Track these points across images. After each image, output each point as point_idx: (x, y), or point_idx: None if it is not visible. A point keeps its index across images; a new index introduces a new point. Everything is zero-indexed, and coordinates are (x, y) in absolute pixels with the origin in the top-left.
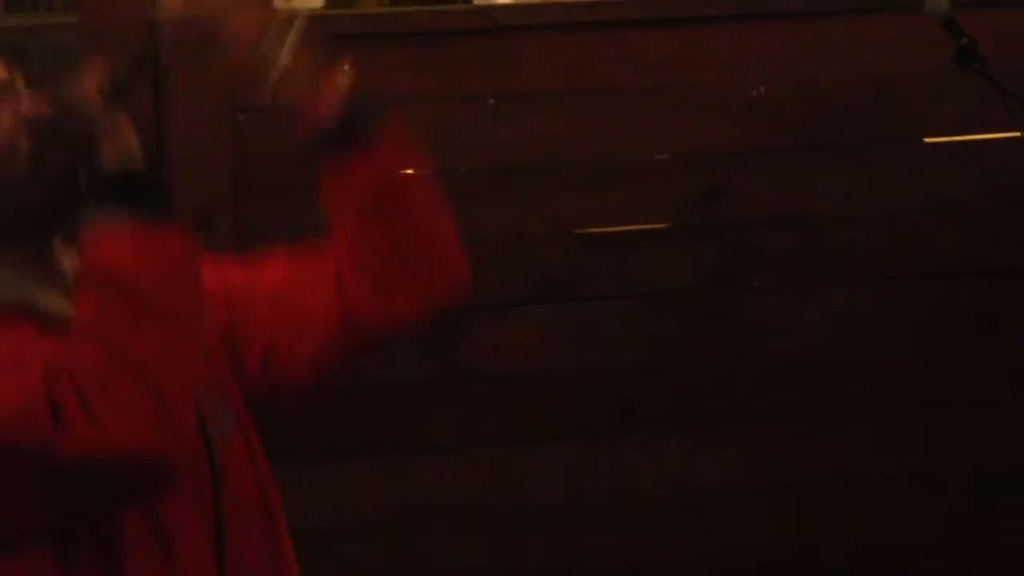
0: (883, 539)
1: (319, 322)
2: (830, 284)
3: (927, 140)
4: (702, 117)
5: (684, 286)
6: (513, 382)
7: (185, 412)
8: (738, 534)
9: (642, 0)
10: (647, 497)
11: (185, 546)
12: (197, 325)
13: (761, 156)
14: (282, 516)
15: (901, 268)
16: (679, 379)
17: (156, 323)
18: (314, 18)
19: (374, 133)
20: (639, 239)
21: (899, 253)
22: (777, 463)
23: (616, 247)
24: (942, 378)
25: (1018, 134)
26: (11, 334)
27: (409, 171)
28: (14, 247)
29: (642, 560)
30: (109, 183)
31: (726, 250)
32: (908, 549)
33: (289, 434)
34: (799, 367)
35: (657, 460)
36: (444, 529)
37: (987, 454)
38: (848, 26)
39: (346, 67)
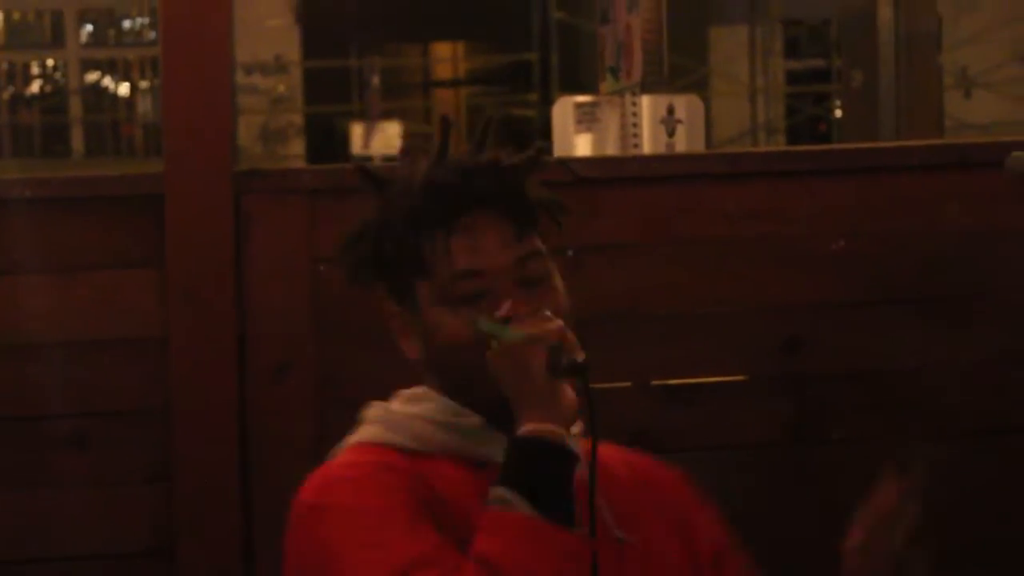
0: None
1: None
2: (911, 439)
3: (1009, 295)
4: (780, 270)
5: (762, 439)
6: None
7: None
8: None
9: (721, 155)
10: None
11: None
12: None
13: (840, 309)
14: None
15: (982, 423)
16: (758, 532)
17: None
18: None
19: None
20: (717, 391)
21: (980, 408)
22: None
23: (694, 399)
24: None
25: None
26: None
27: None
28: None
29: None
30: (532, 450)
31: (805, 403)
32: None
33: None
34: None
35: None
36: None
37: None
38: (928, 181)
39: None
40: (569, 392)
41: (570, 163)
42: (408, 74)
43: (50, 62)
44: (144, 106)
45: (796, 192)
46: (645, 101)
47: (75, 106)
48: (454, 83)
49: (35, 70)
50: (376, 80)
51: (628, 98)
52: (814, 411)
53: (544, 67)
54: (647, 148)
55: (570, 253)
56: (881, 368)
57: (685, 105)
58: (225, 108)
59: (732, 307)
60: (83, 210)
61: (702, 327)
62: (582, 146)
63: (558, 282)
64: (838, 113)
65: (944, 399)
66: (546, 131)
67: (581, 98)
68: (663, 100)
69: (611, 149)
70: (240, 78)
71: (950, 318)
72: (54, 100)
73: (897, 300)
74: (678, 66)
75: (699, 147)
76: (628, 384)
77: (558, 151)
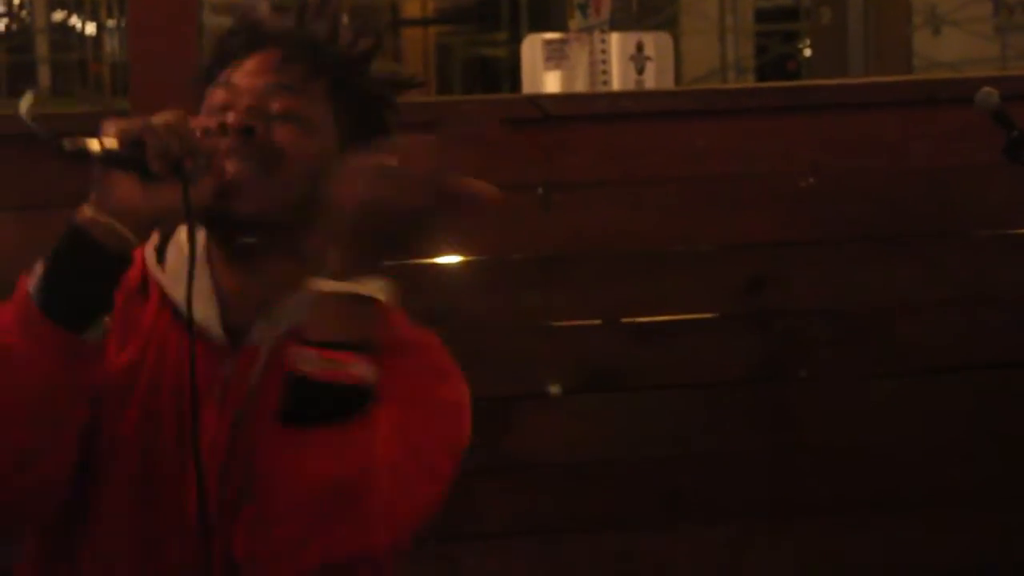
0: None
1: None
2: (878, 376)
3: (976, 232)
4: (750, 207)
5: (730, 376)
6: (559, 471)
7: None
8: None
9: (690, 92)
10: None
11: None
12: None
13: (809, 247)
14: None
15: (950, 360)
16: (724, 470)
17: None
18: None
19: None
20: (686, 329)
21: (948, 345)
22: (823, 556)
23: (663, 337)
24: (991, 471)
25: None
26: None
27: None
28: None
29: None
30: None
31: (772, 341)
32: None
33: None
34: (845, 459)
35: (702, 552)
36: None
37: None
38: (898, 118)
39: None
40: (123, 183)
41: (539, 101)
42: (376, 12)
43: (16, 0)
44: (111, 45)
45: (765, 129)
46: (614, 38)
47: (42, 45)
48: (423, 22)
49: (0, 8)
50: (344, 19)
51: (597, 35)
52: (781, 349)
53: (513, 5)
54: (616, 85)
55: (539, 191)
56: (848, 306)
57: (654, 42)
58: (192, 47)
59: (701, 245)
60: (51, 147)
61: (671, 265)
62: (551, 83)
63: (309, 137)
64: (807, 52)
65: (910, 336)
66: (515, 69)
67: (550, 35)
68: (632, 37)
69: (580, 86)
70: (206, 17)
71: (917, 255)
72: (20, 39)
73: (865, 237)
74: (647, 3)
75: (668, 84)
76: (598, 322)
77: (527, 88)
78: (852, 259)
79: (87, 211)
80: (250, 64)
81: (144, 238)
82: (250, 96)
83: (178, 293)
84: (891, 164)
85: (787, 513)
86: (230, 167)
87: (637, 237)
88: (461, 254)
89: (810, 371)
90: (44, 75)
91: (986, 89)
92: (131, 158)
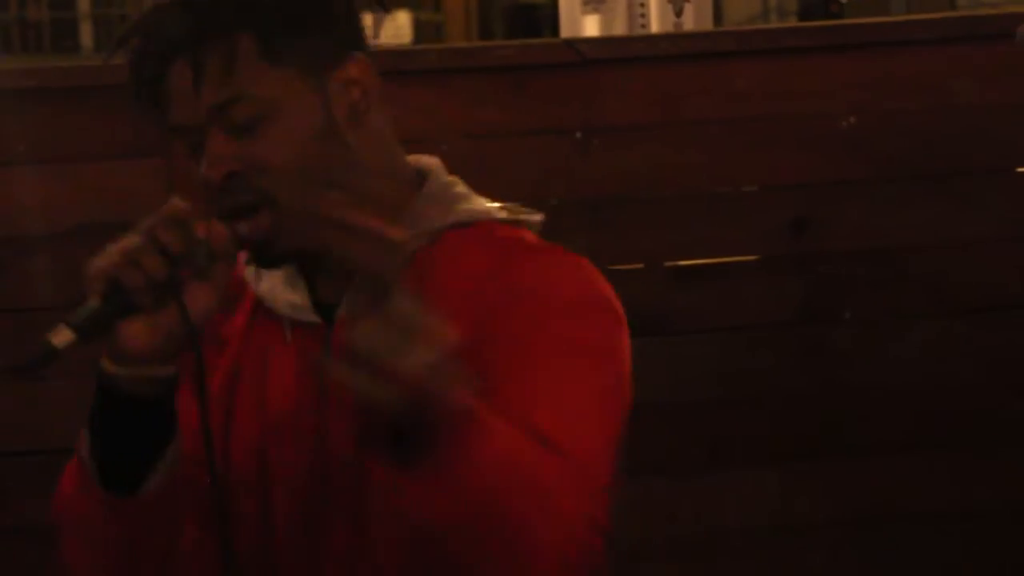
0: (982, 572)
1: None
2: (921, 316)
3: (1019, 170)
4: (791, 148)
5: (773, 318)
6: None
7: None
8: (831, 570)
9: (729, 32)
10: (737, 533)
11: None
12: None
13: (851, 187)
14: None
15: (992, 299)
16: (769, 413)
17: None
18: (403, 53)
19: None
20: (728, 272)
21: (990, 284)
22: (870, 497)
23: (705, 280)
24: None
25: None
26: None
27: None
28: None
29: None
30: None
31: (815, 282)
32: None
33: None
34: (890, 399)
35: (748, 495)
36: None
37: None
38: (939, 56)
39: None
40: (125, 328)
41: (577, 44)
42: None
43: None
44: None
45: (806, 69)
46: None
47: (83, 1)
48: None
49: None
50: None
51: None
52: (824, 290)
53: None
54: (655, 27)
55: (578, 135)
56: (892, 246)
57: None
58: None
59: (742, 187)
60: (91, 99)
61: (712, 208)
62: (590, 27)
63: (286, 120)
64: None
65: (953, 276)
66: (554, 14)
67: None
68: None
69: (619, 29)
70: None
71: (960, 194)
72: None
73: (907, 177)
74: None
75: (707, 26)
76: (640, 266)
77: (565, 33)
78: (895, 198)
79: (107, 366)
80: (178, 89)
81: (178, 356)
82: (212, 126)
83: (260, 287)
84: (933, 102)
85: (832, 454)
86: (243, 228)
87: (677, 180)
88: (500, 200)
89: (854, 312)
90: (86, 32)
91: None
92: (110, 311)
